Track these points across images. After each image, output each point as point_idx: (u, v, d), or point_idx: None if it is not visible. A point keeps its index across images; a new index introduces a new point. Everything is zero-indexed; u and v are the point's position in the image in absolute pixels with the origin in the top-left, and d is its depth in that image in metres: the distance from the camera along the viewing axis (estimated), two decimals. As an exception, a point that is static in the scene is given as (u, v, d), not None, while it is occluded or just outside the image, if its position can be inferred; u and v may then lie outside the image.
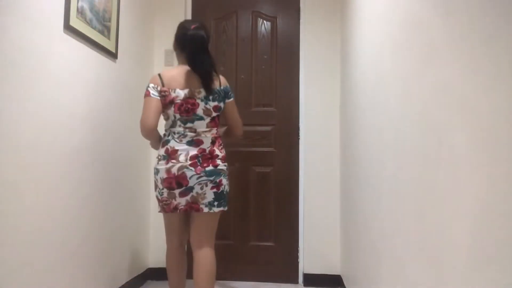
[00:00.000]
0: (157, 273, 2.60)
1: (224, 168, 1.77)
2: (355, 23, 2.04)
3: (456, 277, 0.78)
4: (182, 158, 1.69)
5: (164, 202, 1.73)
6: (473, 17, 0.72)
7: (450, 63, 0.81)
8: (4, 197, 1.28)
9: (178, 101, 1.70)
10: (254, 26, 2.76)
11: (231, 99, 1.85)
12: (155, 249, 2.65)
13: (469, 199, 0.72)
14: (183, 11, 2.75)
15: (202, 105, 1.73)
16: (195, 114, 1.73)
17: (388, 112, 1.30)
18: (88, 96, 1.85)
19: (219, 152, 1.77)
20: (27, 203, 1.40)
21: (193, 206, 1.71)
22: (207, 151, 1.73)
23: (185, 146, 1.71)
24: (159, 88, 1.71)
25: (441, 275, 0.85)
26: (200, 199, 1.71)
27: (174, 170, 1.68)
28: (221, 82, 1.81)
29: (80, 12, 1.74)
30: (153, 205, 2.68)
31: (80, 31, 1.73)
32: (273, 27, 2.74)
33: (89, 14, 1.81)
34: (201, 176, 1.69)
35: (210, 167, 1.71)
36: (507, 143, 0.60)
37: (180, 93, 1.70)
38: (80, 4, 1.73)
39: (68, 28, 1.64)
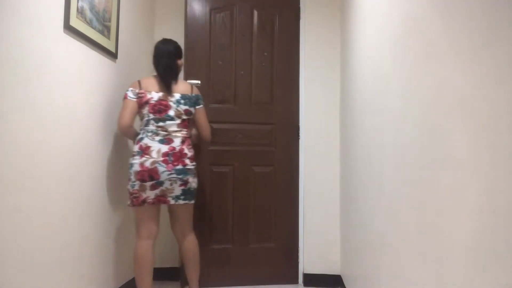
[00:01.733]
0: (157, 273, 2.60)
1: (192, 167, 1.98)
2: (355, 22, 2.04)
3: (456, 277, 0.78)
4: (154, 154, 1.88)
5: (134, 195, 1.90)
6: (473, 17, 0.72)
7: (450, 63, 0.81)
8: (4, 197, 1.28)
9: (153, 101, 1.94)
10: (255, 21, 2.67)
11: (201, 106, 2.10)
12: (155, 249, 2.64)
13: (469, 199, 0.72)
14: (183, 11, 2.75)
15: (174, 107, 1.97)
16: (167, 114, 1.95)
17: (388, 112, 1.30)
18: (88, 96, 1.85)
19: (188, 151, 1.97)
20: (27, 203, 1.40)
21: (160, 199, 1.92)
22: (177, 150, 1.93)
23: (157, 144, 1.91)
24: (137, 91, 1.96)
25: (441, 275, 0.85)
26: (168, 193, 1.92)
27: (147, 164, 1.86)
28: (193, 90, 2.08)
29: (80, 12, 1.74)
30: (153, 205, 2.68)
31: (80, 31, 1.73)
32: (273, 25, 2.68)
33: (89, 14, 1.81)
34: (172, 174, 1.88)
35: (180, 166, 1.91)
36: (507, 142, 0.60)
37: (155, 95, 1.96)
38: (80, 4, 1.73)
39: (68, 28, 1.64)
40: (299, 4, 2.73)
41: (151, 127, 1.94)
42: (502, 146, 0.62)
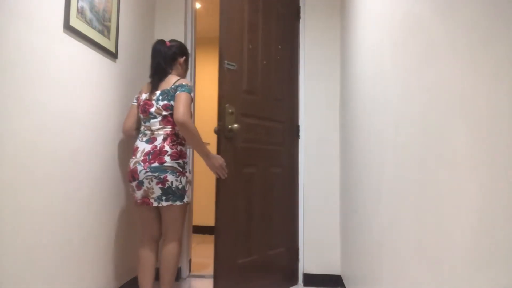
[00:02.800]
0: (157, 273, 2.60)
1: (174, 165, 1.87)
2: (355, 21, 2.04)
3: (456, 277, 0.78)
4: (138, 154, 1.91)
5: (131, 195, 2.01)
6: (473, 17, 0.72)
7: (450, 63, 0.81)
8: (4, 198, 1.28)
9: (141, 103, 2.00)
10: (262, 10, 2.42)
11: (179, 92, 1.89)
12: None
13: (469, 199, 0.72)
14: (183, 11, 2.75)
15: (154, 105, 1.95)
16: (150, 113, 1.95)
17: (388, 111, 1.30)
18: (88, 96, 1.85)
19: (169, 148, 1.88)
20: (27, 204, 1.40)
21: (144, 201, 1.90)
22: (158, 148, 1.88)
23: (143, 144, 1.92)
24: (136, 96, 2.07)
25: (441, 275, 0.85)
26: (150, 194, 1.88)
27: (131, 164, 1.91)
28: (176, 82, 1.94)
29: (80, 12, 1.74)
30: (153, 205, 2.68)
31: (80, 31, 1.73)
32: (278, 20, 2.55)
33: (89, 14, 1.81)
34: (147, 172, 1.85)
35: (155, 164, 1.85)
36: (507, 142, 0.60)
37: (144, 96, 2.01)
38: (80, 4, 1.73)
39: (68, 28, 1.64)
40: (299, 4, 2.73)
41: (141, 128, 2.00)
42: (502, 145, 0.62)
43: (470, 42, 0.72)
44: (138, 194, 1.91)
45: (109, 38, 2.02)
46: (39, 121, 1.47)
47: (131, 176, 1.90)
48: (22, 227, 1.37)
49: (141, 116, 1.99)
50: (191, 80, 2.75)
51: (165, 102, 1.92)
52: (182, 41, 2.72)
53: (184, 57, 2.14)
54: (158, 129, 1.92)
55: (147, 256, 1.96)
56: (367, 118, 1.67)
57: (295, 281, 2.59)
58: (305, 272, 2.58)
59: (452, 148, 0.80)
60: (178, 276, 2.62)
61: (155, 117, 1.94)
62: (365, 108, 1.71)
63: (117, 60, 2.16)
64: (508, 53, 0.60)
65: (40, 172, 1.48)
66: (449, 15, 0.82)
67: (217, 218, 2.01)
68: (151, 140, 1.91)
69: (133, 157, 1.92)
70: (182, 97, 1.86)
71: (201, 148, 1.90)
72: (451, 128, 0.80)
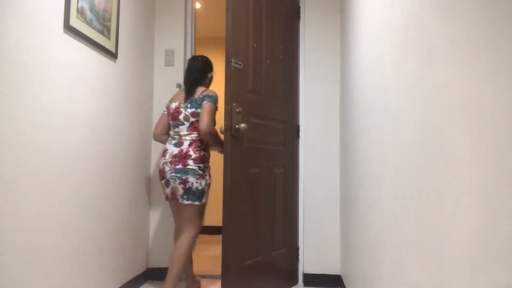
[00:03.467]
0: (157, 273, 2.60)
1: (195, 167, 2.10)
2: (355, 21, 2.04)
3: (456, 277, 0.78)
4: (167, 156, 2.15)
5: (163, 191, 2.23)
6: (473, 17, 0.72)
7: (450, 63, 0.81)
8: (4, 197, 1.28)
9: (171, 111, 2.23)
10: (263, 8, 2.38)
11: (206, 101, 2.15)
12: (155, 249, 2.65)
13: (470, 199, 0.72)
14: (183, 11, 2.75)
15: (183, 112, 2.19)
16: (179, 120, 2.19)
17: (388, 111, 1.30)
18: (88, 96, 1.85)
19: (193, 153, 2.11)
20: (27, 203, 1.40)
21: (173, 197, 2.17)
22: (184, 151, 2.12)
23: (172, 147, 2.16)
24: (167, 105, 2.32)
25: (441, 275, 0.85)
26: (176, 191, 2.13)
27: (160, 164, 2.17)
28: (203, 92, 2.19)
29: (80, 12, 1.74)
30: (153, 205, 2.68)
31: (80, 31, 1.73)
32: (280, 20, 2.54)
33: (89, 14, 1.81)
34: (172, 172, 2.10)
35: (179, 166, 2.09)
36: (508, 142, 0.60)
37: (174, 105, 2.24)
38: (80, 4, 1.73)
39: (68, 28, 1.64)
40: (299, 4, 2.73)
41: (171, 132, 2.25)
42: (503, 146, 0.62)
43: (470, 41, 0.72)
44: (168, 191, 2.17)
45: (109, 38, 2.02)
46: (39, 121, 1.47)
47: (160, 175, 2.18)
48: (22, 227, 1.37)
49: (171, 122, 2.23)
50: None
51: (193, 109, 2.17)
52: (182, 41, 2.73)
53: (212, 72, 2.38)
54: (185, 134, 2.17)
55: (183, 247, 2.13)
56: (367, 117, 1.67)
57: (295, 281, 2.59)
58: (305, 272, 2.58)
59: (452, 148, 0.80)
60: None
61: (183, 124, 2.18)
62: (365, 107, 1.71)
63: (117, 60, 2.16)
64: (509, 53, 0.60)
65: (40, 172, 1.48)
66: (449, 14, 0.82)
67: (224, 219, 2.00)
68: (178, 144, 2.15)
69: (163, 158, 2.17)
70: (207, 107, 2.12)
71: (222, 145, 2.20)
72: (452, 128, 0.80)
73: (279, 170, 2.47)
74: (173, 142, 2.18)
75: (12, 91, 1.32)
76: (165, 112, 2.30)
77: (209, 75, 2.36)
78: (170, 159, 2.12)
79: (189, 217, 2.14)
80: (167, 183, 2.15)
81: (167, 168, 2.12)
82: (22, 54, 1.37)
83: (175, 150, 2.13)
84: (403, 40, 1.14)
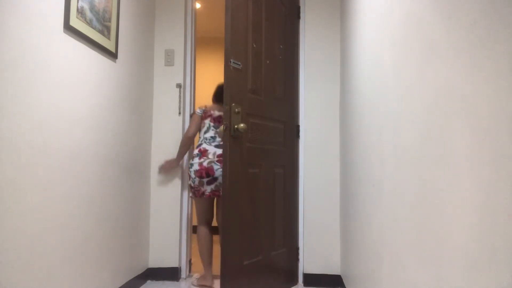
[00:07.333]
0: (157, 273, 2.60)
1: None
2: (355, 22, 2.04)
3: (456, 277, 0.78)
4: (210, 155, 2.37)
5: (195, 189, 2.41)
6: (473, 17, 0.72)
7: (450, 63, 0.81)
8: (5, 197, 1.28)
9: (215, 116, 2.54)
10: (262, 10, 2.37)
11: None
12: (155, 249, 2.65)
13: (469, 199, 0.72)
14: (183, 11, 2.75)
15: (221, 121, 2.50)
16: (220, 124, 2.46)
17: (388, 112, 1.30)
18: (88, 96, 1.85)
19: None
20: (27, 203, 1.40)
21: (215, 193, 2.37)
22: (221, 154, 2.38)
23: (213, 148, 2.42)
24: (203, 109, 2.59)
25: (441, 275, 0.85)
26: (220, 187, 2.32)
27: (205, 163, 2.35)
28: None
29: (80, 12, 1.74)
30: (153, 205, 2.68)
31: (80, 31, 1.73)
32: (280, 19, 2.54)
33: (89, 14, 1.81)
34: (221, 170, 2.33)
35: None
36: (507, 142, 0.60)
37: (217, 113, 2.56)
38: (80, 4, 1.73)
39: (68, 28, 1.64)
40: (299, 4, 2.73)
41: (210, 134, 2.48)
42: (502, 146, 0.62)
43: (470, 41, 0.72)
44: (208, 188, 2.36)
45: (109, 38, 2.02)
46: (39, 121, 1.47)
47: (205, 173, 2.33)
48: (22, 227, 1.37)
49: (213, 124, 2.50)
50: (190, 79, 2.79)
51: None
52: (182, 41, 2.73)
53: None
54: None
55: (207, 236, 2.48)
56: (367, 117, 1.67)
57: (295, 281, 2.59)
58: (305, 272, 2.58)
59: (452, 148, 0.80)
60: (178, 276, 2.63)
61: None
62: (365, 107, 1.71)
63: (117, 60, 2.16)
64: (508, 53, 0.60)
65: (40, 172, 1.48)
66: (449, 14, 0.82)
67: (224, 219, 2.00)
68: (220, 146, 2.41)
69: (204, 158, 2.36)
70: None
71: None
72: (452, 128, 0.80)
73: (279, 170, 2.47)
74: (214, 143, 2.42)
75: (12, 91, 1.32)
76: (200, 115, 2.55)
77: None
78: (216, 159, 2.35)
79: None
80: (213, 180, 2.35)
81: (216, 167, 2.35)
82: (22, 54, 1.37)
83: (218, 151, 2.39)
84: (403, 40, 1.14)
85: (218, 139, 2.45)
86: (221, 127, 2.11)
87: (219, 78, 4.50)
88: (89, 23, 1.82)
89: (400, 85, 1.16)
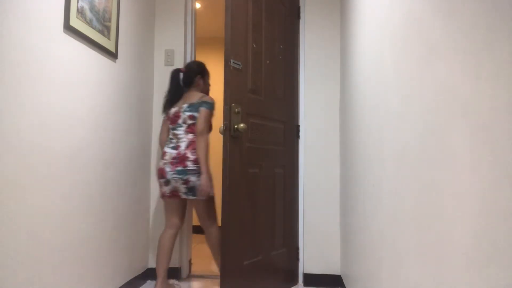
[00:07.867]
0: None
1: (195, 168, 2.20)
2: (355, 22, 2.04)
3: (456, 277, 0.78)
4: (167, 157, 2.27)
5: (160, 189, 2.33)
6: (473, 17, 0.72)
7: (450, 63, 0.81)
8: (5, 197, 1.28)
9: (171, 115, 2.35)
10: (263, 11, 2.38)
11: (203, 108, 2.27)
12: (155, 249, 2.65)
13: (469, 199, 0.72)
14: (183, 11, 2.75)
15: (182, 116, 2.30)
16: (177, 123, 2.30)
17: (388, 111, 1.30)
18: (88, 96, 1.85)
19: (190, 155, 2.22)
20: (27, 203, 1.40)
21: (173, 194, 2.25)
22: (182, 153, 2.23)
23: (170, 149, 2.28)
24: (166, 113, 2.44)
25: (441, 275, 0.85)
26: (178, 190, 2.23)
27: (161, 164, 2.28)
28: (201, 97, 2.30)
29: (80, 12, 1.74)
30: (153, 205, 2.68)
31: (80, 31, 1.73)
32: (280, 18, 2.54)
33: (89, 14, 1.81)
34: (174, 174, 2.21)
35: (180, 168, 2.20)
36: (507, 143, 0.60)
37: (173, 110, 2.36)
38: (80, 4, 1.73)
39: (68, 28, 1.64)
40: (299, 4, 2.73)
41: (169, 135, 2.36)
42: (502, 146, 0.62)
43: (471, 42, 0.72)
44: (167, 189, 2.26)
45: (109, 38, 2.02)
46: (39, 120, 1.47)
47: (160, 173, 2.27)
48: (22, 227, 1.37)
49: (170, 126, 2.34)
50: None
51: (191, 113, 2.27)
52: (182, 41, 2.73)
53: (199, 75, 2.44)
54: (183, 136, 2.27)
55: (166, 241, 2.30)
56: (367, 117, 1.67)
57: (295, 281, 2.59)
58: (305, 272, 2.58)
59: (452, 148, 0.80)
60: (177, 276, 2.63)
61: (181, 126, 2.29)
62: (365, 107, 1.71)
63: (117, 60, 2.16)
64: (509, 53, 0.60)
65: (40, 171, 1.48)
66: (449, 15, 0.82)
67: (223, 220, 2.00)
68: (176, 147, 2.27)
69: (163, 159, 2.29)
70: (203, 113, 2.25)
71: (205, 160, 2.21)
72: (452, 128, 0.80)
73: (279, 170, 2.47)
74: (171, 145, 2.29)
75: (13, 91, 1.32)
76: (165, 119, 2.42)
77: (196, 79, 2.43)
78: (170, 160, 2.23)
79: (202, 212, 2.30)
80: (167, 183, 2.24)
81: (168, 169, 2.22)
82: (22, 54, 1.37)
83: (174, 153, 2.25)
84: (403, 40, 1.14)
85: (174, 140, 2.29)
86: (221, 127, 2.09)
87: (219, 78, 4.50)
88: (89, 23, 1.82)
89: (401, 85, 1.16)
